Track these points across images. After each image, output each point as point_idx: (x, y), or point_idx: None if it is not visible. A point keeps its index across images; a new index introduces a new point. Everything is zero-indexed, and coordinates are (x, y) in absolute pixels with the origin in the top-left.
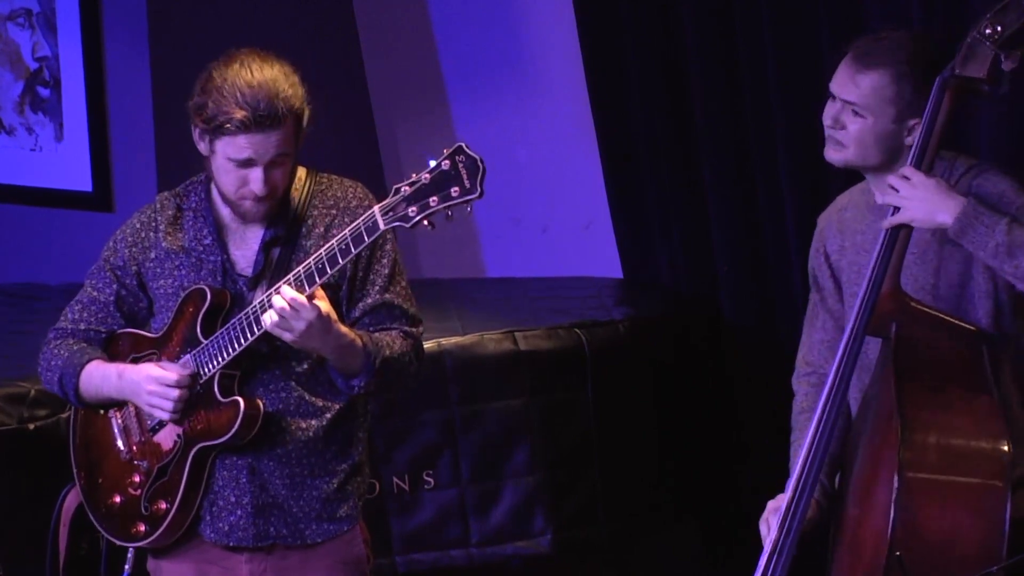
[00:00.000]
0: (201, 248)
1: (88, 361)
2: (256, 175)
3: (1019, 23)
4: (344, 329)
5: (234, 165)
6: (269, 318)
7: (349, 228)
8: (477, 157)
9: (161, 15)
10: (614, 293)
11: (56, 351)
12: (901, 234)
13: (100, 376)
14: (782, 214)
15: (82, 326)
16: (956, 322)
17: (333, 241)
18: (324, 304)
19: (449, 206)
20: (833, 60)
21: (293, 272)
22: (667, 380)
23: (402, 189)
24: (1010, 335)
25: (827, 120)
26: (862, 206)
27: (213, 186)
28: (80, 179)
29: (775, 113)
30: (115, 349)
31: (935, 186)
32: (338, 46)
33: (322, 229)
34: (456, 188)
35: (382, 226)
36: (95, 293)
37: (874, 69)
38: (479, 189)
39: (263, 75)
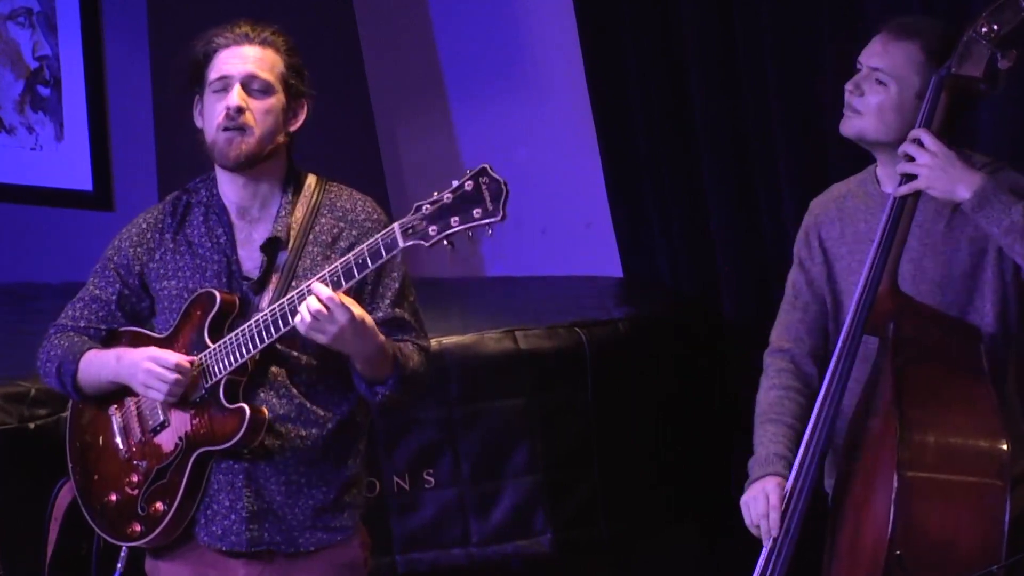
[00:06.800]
0: (210, 244)
1: (87, 350)
2: (232, 91)
3: (1015, 22)
4: (379, 334)
5: (215, 96)
6: (303, 317)
7: (367, 243)
8: (501, 180)
9: (161, 15)
10: (614, 293)
11: (56, 342)
12: (899, 233)
13: (98, 362)
14: (782, 214)
15: (83, 323)
16: (953, 320)
17: (350, 255)
18: (357, 308)
19: (470, 227)
20: (835, 57)
21: (307, 282)
22: (667, 380)
23: (423, 207)
24: (1013, 332)
25: (848, 86)
26: (863, 196)
27: (220, 180)
28: (80, 178)
29: (774, 113)
30: (116, 345)
31: (956, 158)
32: (338, 46)
33: (328, 239)
34: (479, 210)
35: (401, 243)
36: (97, 291)
37: (908, 39)
38: (502, 212)
39: (252, 21)
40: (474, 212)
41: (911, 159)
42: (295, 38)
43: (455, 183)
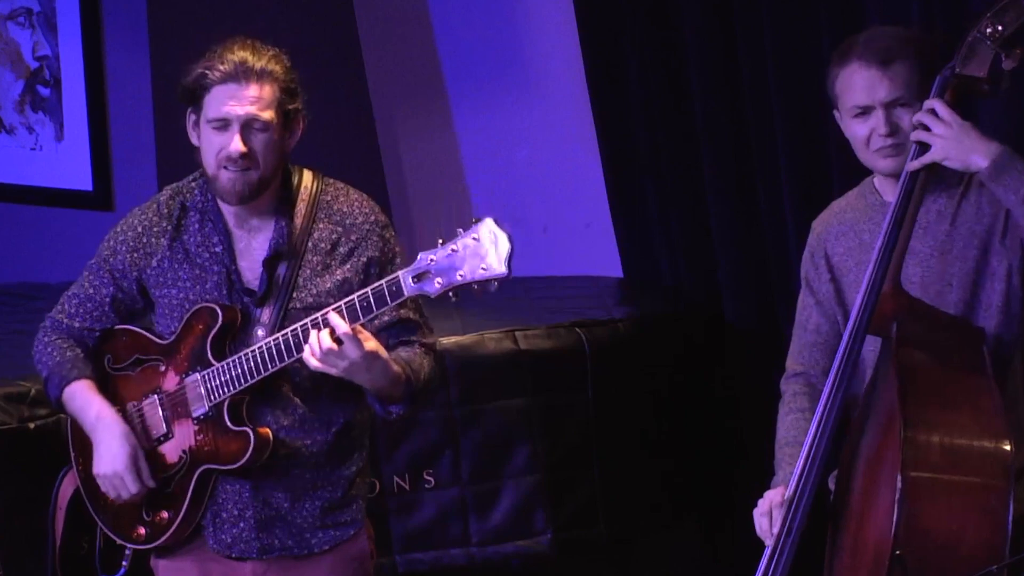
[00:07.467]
0: (207, 255)
1: (75, 379)
2: (233, 135)
3: (1019, 22)
4: (391, 364)
5: (214, 131)
6: (314, 351)
7: (372, 287)
8: (506, 234)
9: (161, 15)
10: (614, 293)
11: (49, 349)
12: (902, 233)
13: (81, 403)
14: (782, 214)
15: (77, 323)
16: (957, 320)
17: (354, 297)
18: (371, 343)
19: (475, 281)
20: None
21: (311, 319)
22: (667, 380)
23: (428, 257)
24: (1016, 327)
25: (881, 131)
26: (864, 208)
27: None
28: (80, 178)
29: (775, 114)
30: (117, 344)
31: (971, 127)
32: (338, 46)
33: (327, 246)
34: (484, 265)
35: (406, 293)
36: (91, 290)
37: (897, 60)
38: (506, 268)
39: (248, 44)
40: (479, 267)
41: (926, 129)
42: (295, 39)
43: (461, 232)
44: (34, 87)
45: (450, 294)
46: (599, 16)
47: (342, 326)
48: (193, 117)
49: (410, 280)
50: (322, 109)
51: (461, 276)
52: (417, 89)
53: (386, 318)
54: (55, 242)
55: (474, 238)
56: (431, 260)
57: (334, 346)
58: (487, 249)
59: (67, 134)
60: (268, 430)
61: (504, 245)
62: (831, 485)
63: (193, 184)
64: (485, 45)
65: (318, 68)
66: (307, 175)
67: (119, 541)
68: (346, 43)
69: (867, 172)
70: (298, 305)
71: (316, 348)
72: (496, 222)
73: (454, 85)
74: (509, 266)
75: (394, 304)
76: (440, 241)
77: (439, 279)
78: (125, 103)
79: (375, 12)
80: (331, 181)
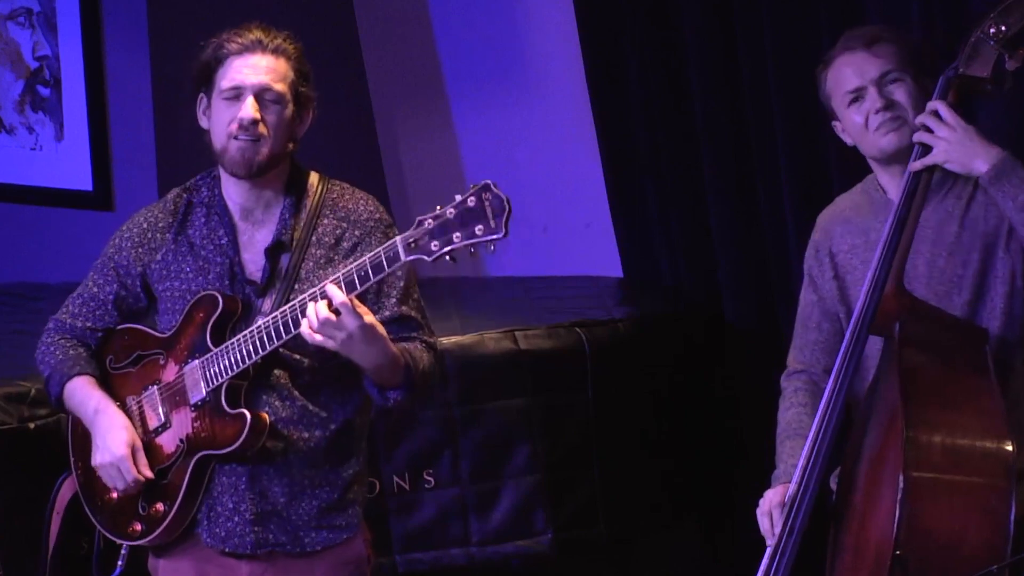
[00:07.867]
0: (212, 247)
1: (76, 375)
2: (244, 102)
3: (1022, 23)
4: (390, 343)
5: (226, 103)
6: (311, 322)
7: (369, 255)
8: (504, 197)
9: (161, 15)
10: (614, 293)
11: (52, 349)
12: (904, 234)
13: (81, 397)
14: (782, 214)
15: (79, 323)
16: (959, 321)
17: (352, 266)
18: (370, 316)
19: (472, 243)
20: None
21: (309, 292)
22: (667, 380)
23: (426, 221)
24: (1018, 329)
25: (876, 105)
26: (867, 205)
27: (223, 181)
28: (80, 178)
29: (775, 114)
30: (119, 344)
31: (975, 132)
32: (338, 46)
33: (331, 241)
34: (481, 226)
35: (403, 258)
36: (95, 289)
37: (882, 41)
38: (504, 229)
39: (262, 26)
40: (476, 228)
41: (928, 130)
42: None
43: (458, 198)
44: (34, 87)
45: (447, 257)
46: (599, 16)
47: (339, 296)
48: (204, 101)
49: (407, 246)
50: (322, 109)
51: (458, 238)
52: (417, 89)
53: (387, 313)
54: (55, 242)
55: (472, 201)
56: (428, 224)
57: (332, 316)
58: (485, 211)
59: (67, 134)
60: (265, 415)
61: (502, 207)
62: (833, 485)
63: (200, 182)
64: (485, 45)
65: (318, 68)
66: (314, 175)
67: (115, 539)
68: (346, 43)
69: (867, 171)
70: (300, 296)
71: (313, 319)
72: (494, 185)
73: (454, 85)
74: (507, 227)
75: (393, 277)
76: (438, 207)
77: (435, 243)
78: (125, 103)
79: (375, 12)
80: (337, 182)
